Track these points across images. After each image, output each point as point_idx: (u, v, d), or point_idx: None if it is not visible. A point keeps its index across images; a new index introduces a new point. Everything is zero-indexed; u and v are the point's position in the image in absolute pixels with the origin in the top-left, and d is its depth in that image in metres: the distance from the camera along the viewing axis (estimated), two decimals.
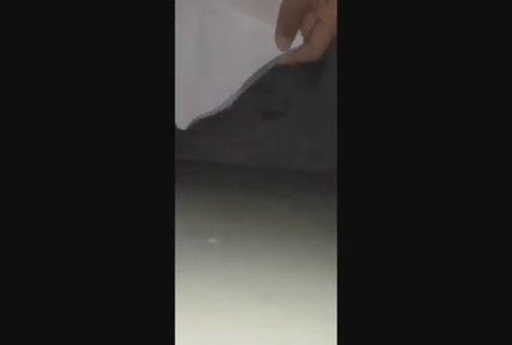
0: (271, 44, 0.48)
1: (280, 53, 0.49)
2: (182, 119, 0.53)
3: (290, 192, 0.65)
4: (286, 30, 0.47)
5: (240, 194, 0.63)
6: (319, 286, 0.39)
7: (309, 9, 0.46)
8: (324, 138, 0.64)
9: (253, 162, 0.72)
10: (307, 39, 0.48)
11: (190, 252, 0.44)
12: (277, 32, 0.47)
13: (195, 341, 0.32)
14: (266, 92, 0.59)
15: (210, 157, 0.72)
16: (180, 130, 0.55)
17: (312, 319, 0.35)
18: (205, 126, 0.57)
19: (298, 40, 0.49)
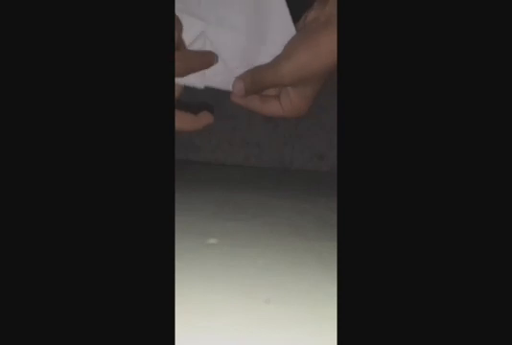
0: None
1: None
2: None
3: (291, 192, 0.65)
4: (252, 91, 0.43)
5: (240, 193, 0.63)
6: (319, 286, 0.39)
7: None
8: (324, 138, 0.65)
9: (253, 162, 0.72)
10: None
11: (190, 252, 0.44)
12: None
13: (194, 341, 0.32)
14: None
15: (210, 157, 0.72)
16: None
17: (312, 319, 0.35)
18: None
19: None
